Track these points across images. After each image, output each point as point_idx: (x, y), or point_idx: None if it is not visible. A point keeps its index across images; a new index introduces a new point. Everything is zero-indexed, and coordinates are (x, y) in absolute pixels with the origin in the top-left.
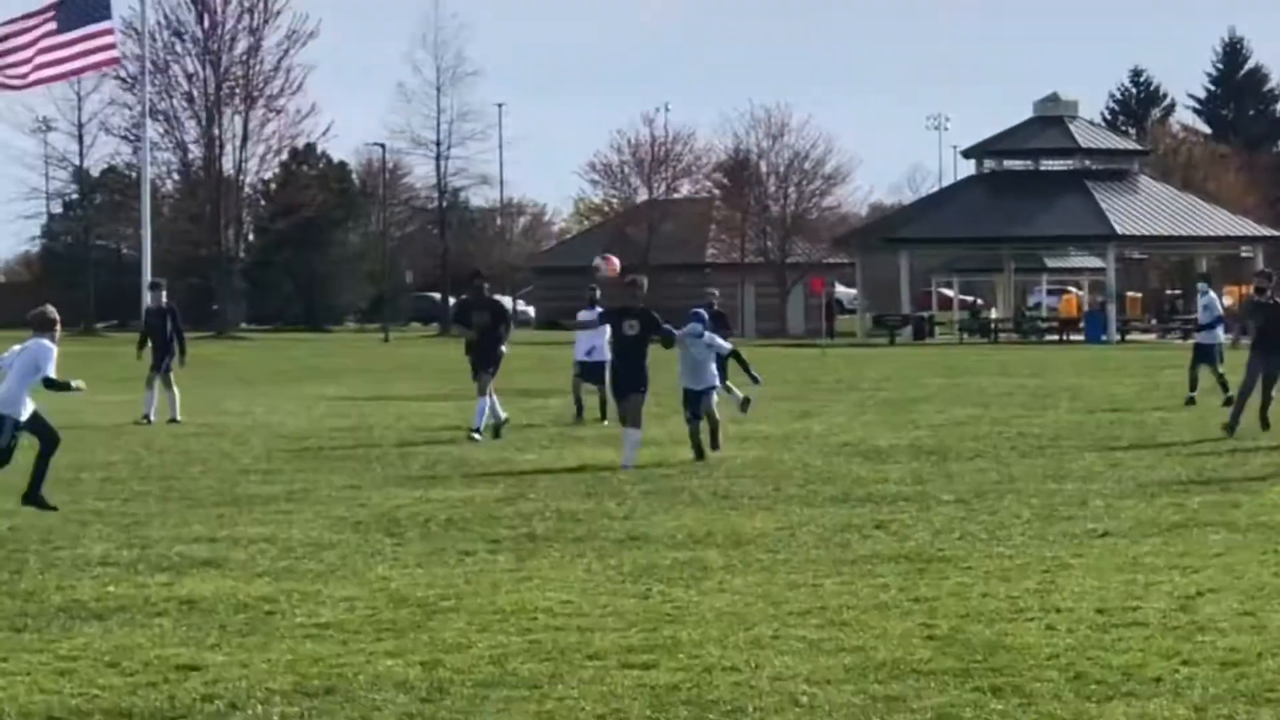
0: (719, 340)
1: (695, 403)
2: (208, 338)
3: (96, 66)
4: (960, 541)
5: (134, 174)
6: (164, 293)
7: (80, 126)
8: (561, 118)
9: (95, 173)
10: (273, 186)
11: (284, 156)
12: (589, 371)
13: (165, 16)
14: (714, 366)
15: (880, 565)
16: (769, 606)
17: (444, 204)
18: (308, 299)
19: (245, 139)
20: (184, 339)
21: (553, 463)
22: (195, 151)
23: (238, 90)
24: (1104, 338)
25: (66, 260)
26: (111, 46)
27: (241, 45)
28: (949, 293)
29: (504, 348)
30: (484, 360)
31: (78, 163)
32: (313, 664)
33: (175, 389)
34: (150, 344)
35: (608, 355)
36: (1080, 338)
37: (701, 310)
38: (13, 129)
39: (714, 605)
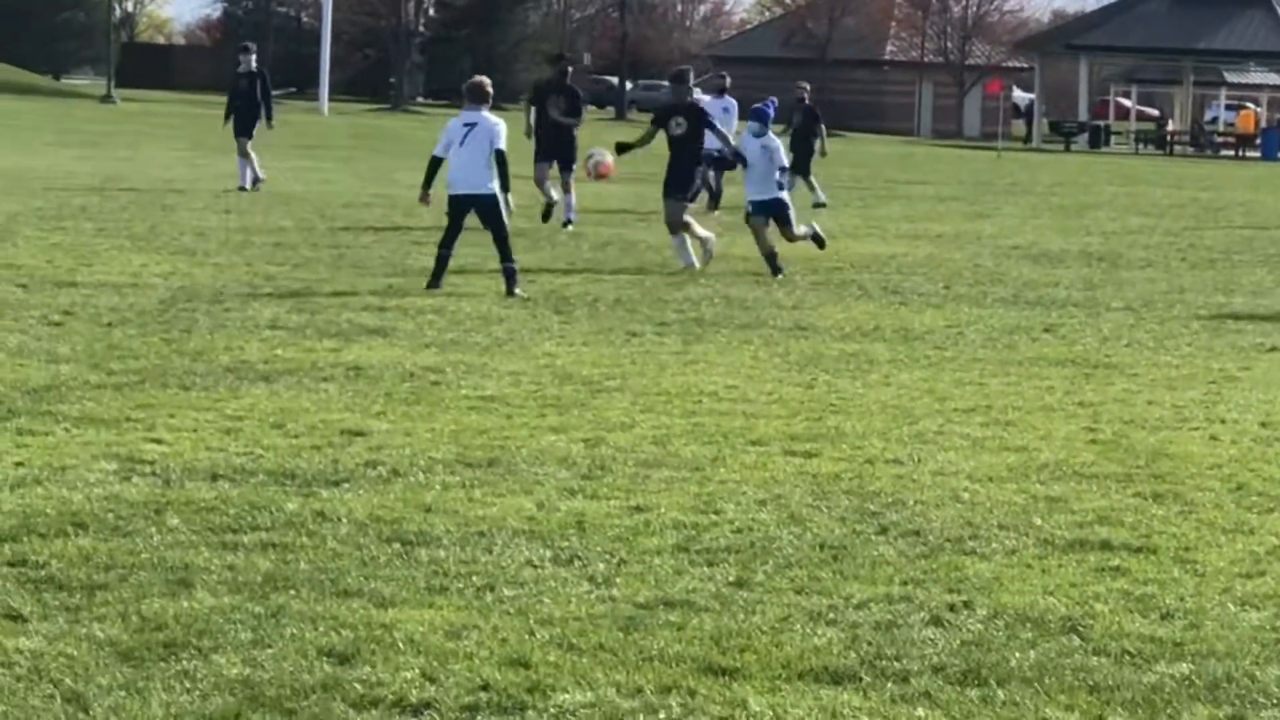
0: (777, 147)
1: (763, 212)
2: (383, 110)
3: None
4: (1127, 349)
5: None
6: (253, 56)
7: None
8: None
9: None
10: None
11: None
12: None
13: None
14: (778, 175)
15: (1046, 368)
16: (934, 402)
17: None
18: (485, 76)
19: None
20: (271, 104)
21: (722, 250)
22: None
23: None
24: None
25: (246, 25)
26: None
27: None
28: (1126, 102)
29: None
30: (554, 152)
31: None
32: (476, 435)
33: (254, 155)
34: (236, 111)
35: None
36: (1256, 154)
37: (765, 107)
38: None
39: (878, 398)
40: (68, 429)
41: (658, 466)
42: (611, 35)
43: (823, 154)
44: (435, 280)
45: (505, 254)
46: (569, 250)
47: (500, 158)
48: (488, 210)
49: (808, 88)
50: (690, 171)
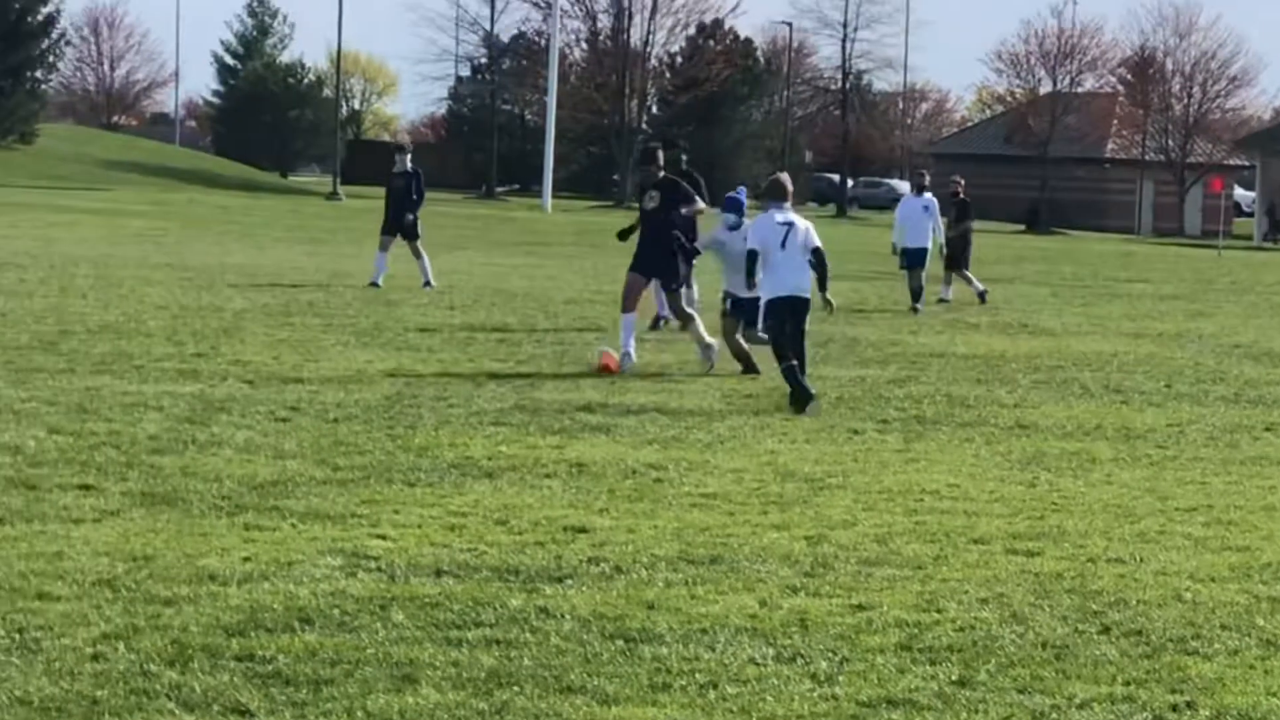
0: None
1: (739, 313)
2: (606, 207)
3: None
4: None
5: (543, 41)
6: (409, 156)
7: None
8: (969, 4)
9: (504, 38)
10: (678, 60)
11: (691, 30)
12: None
13: None
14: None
15: (1269, 467)
16: (1156, 501)
17: (847, 85)
18: (707, 174)
19: (654, 10)
20: (421, 203)
21: (945, 348)
22: (604, 21)
23: None
24: None
25: (471, 123)
26: None
27: None
28: None
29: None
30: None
31: (488, 27)
32: (699, 533)
33: (425, 254)
34: (389, 210)
35: (926, 242)
36: None
37: (737, 195)
38: None
39: (1100, 497)
40: (294, 524)
41: (880, 564)
42: (833, 132)
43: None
44: (802, 397)
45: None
46: None
47: (820, 257)
48: (805, 311)
49: (961, 181)
50: (668, 249)
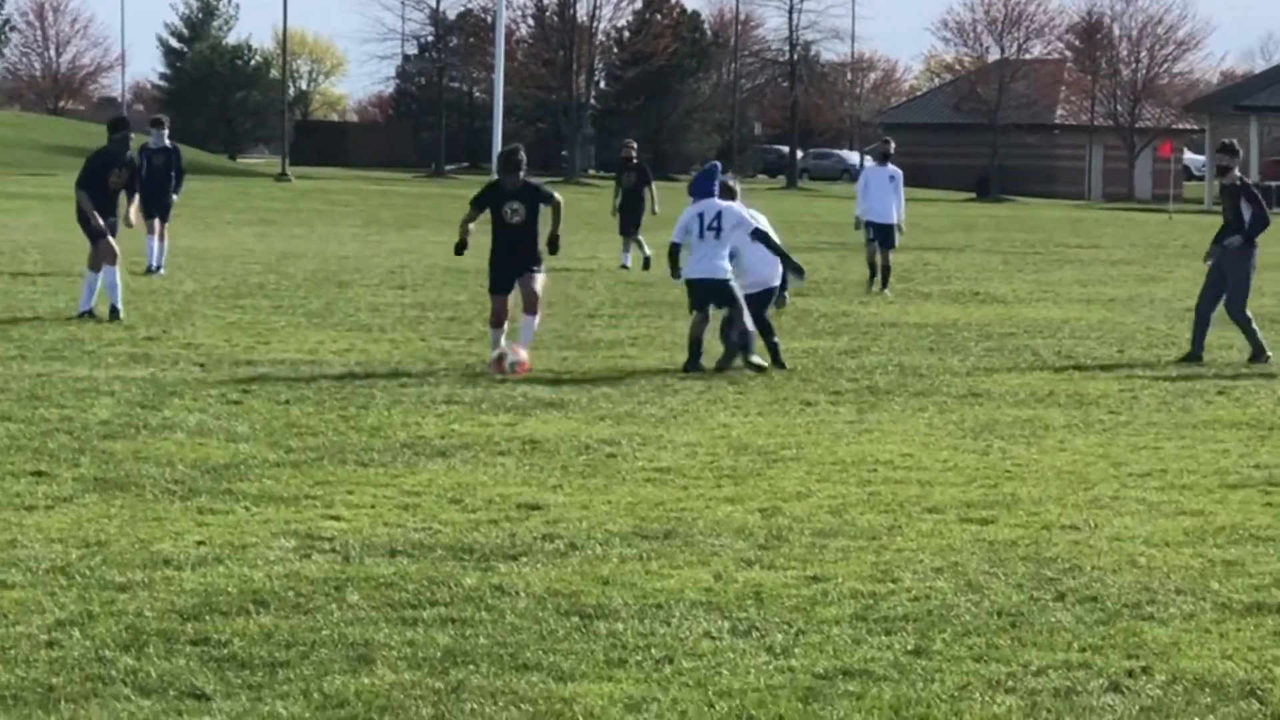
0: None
1: (701, 297)
2: (556, 182)
3: None
4: None
5: (489, 17)
6: (166, 130)
7: None
8: None
9: (451, 15)
10: (625, 34)
11: (638, 4)
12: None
13: None
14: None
15: (1222, 430)
16: (1109, 467)
17: (795, 57)
18: (655, 148)
19: None
20: (182, 179)
21: (897, 317)
22: None
23: None
24: None
25: (419, 101)
26: None
27: None
28: None
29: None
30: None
31: (434, 4)
32: (652, 507)
33: (167, 240)
34: (145, 189)
35: (893, 217)
36: None
37: (713, 164)
38: None
39: (1054, 464)
40: (247, 507)
41: (834, 536)
42: (781, 104)
43: (654, 212)
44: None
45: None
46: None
47: (761, 238)
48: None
49: (634, 145)
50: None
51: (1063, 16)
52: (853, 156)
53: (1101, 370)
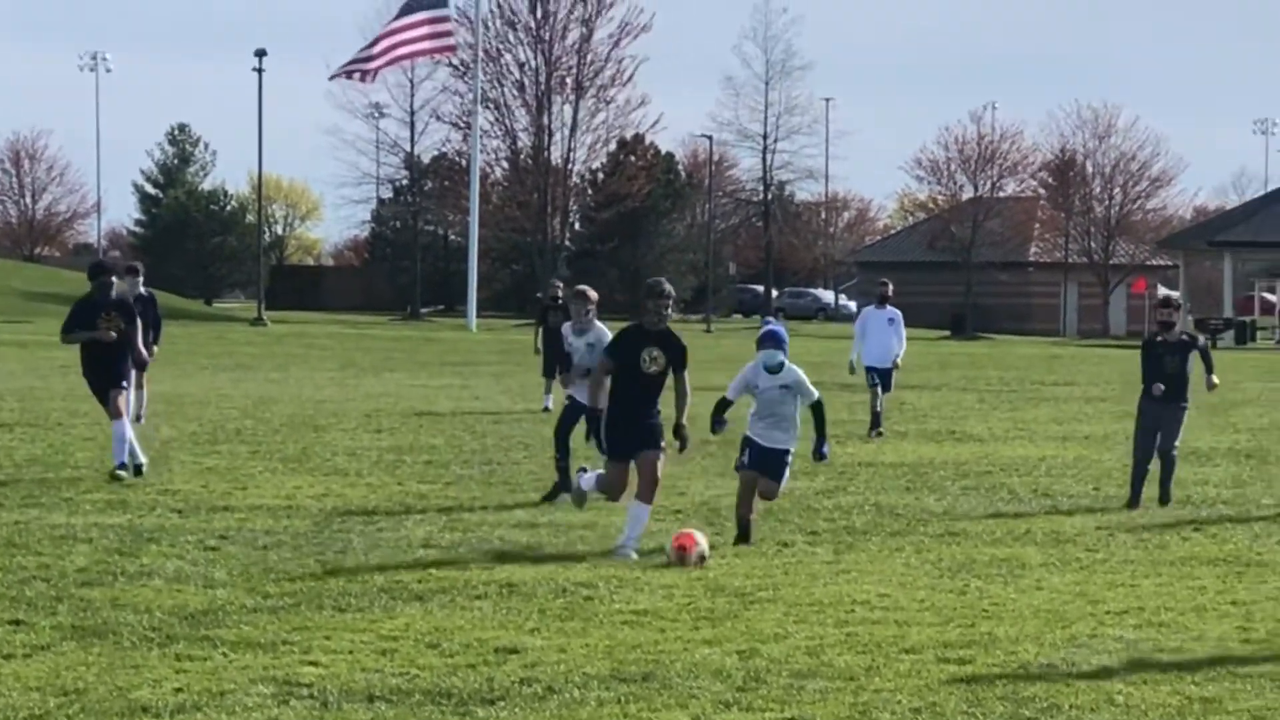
0: (804, 382)
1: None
2: (531, 324)
3: (434, 53)
4: (1279, 545)
5: (464, 161)
6: (140, 278)
7: (412, 113)
8: (888, 114)
9: (425, 159)
10: (600, 176)
11: (612, 146)
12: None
13: (498, 5)
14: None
15: (1199, 567)
16: (1086, 605)
17: (769, 197)
18: (631, 288)
19: (574, 128)
20: (160, 327)
21: (873, 457)
22: (524, 140)
23: (568, 80)
24: None
25: (394, 244)
26: (449, 34)
27: (573, 35)
28: (1271, 297)
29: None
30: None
31: (409, 149)
32: (630, 650)
33: (146, 389)
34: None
35: (890, 361)
36: None
37: (775, 327)
38: (347, 114)
39: (1031, 602)
40: (225, 653)
41: (812, 677)
42: (756, 243)
43: None
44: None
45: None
46: (719, 461)
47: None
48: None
49: (559, 285)
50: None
51: (1036, 154)
52: (827, 295)
53: (1078, 508)
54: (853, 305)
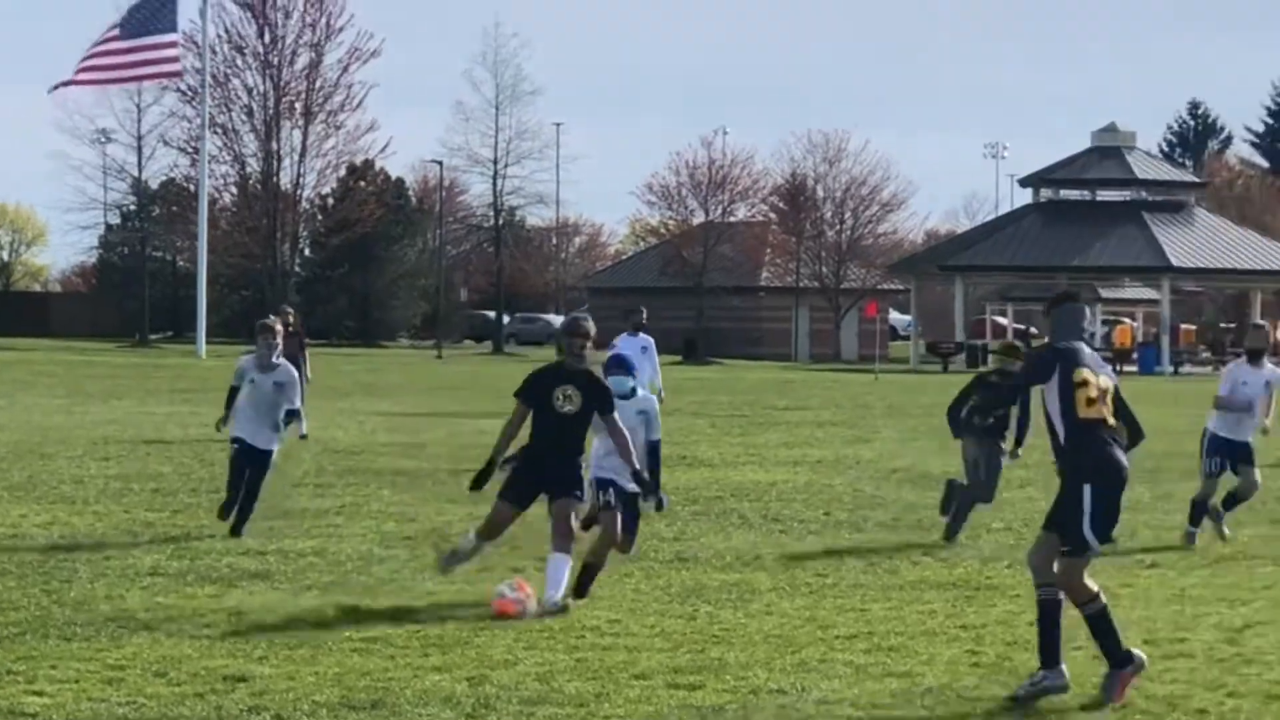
0: (654, 405)
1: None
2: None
3: (159, 77)
4: (1008, 570)
5: (192, 186)
6: None
7: (139, 138)
8: (619, 139)
9: (153, 185)
10: (330, 201)
11: (342, 172)
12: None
13: (226, 30)
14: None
15: (928, 591)
16: (816, 630)
17: (500, 222)
18: (362, 315)
19: (304, 154)
20: None
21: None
22: (253, 165)
23: (297, 105)
24: (1158, 369)
25: (122, 271)
26: (175, 59)
27: (302, 61)
28: (1003, 321)
29: None
30: None
31: (136, 174)
32: (360, 677)
33: None
34: None
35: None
36: (1134, 369)
37: (621, 351)
38: (72, 139)
39: (761, 627)
40: None
41: (542, 703)
42: (487, 269)
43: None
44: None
45: None
46: (449, 487)
47: None
48: None
49: (290, 310)
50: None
51: (767, 179)
52: (559, 320)
53: (808, 533)
54: (622, 337)
